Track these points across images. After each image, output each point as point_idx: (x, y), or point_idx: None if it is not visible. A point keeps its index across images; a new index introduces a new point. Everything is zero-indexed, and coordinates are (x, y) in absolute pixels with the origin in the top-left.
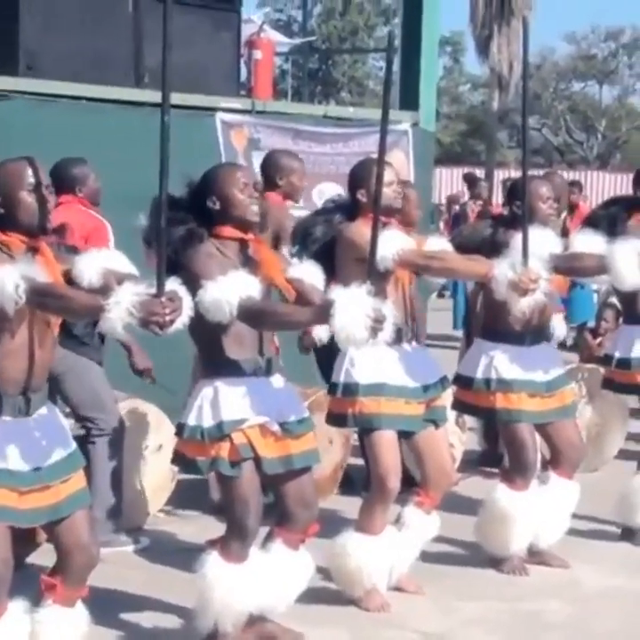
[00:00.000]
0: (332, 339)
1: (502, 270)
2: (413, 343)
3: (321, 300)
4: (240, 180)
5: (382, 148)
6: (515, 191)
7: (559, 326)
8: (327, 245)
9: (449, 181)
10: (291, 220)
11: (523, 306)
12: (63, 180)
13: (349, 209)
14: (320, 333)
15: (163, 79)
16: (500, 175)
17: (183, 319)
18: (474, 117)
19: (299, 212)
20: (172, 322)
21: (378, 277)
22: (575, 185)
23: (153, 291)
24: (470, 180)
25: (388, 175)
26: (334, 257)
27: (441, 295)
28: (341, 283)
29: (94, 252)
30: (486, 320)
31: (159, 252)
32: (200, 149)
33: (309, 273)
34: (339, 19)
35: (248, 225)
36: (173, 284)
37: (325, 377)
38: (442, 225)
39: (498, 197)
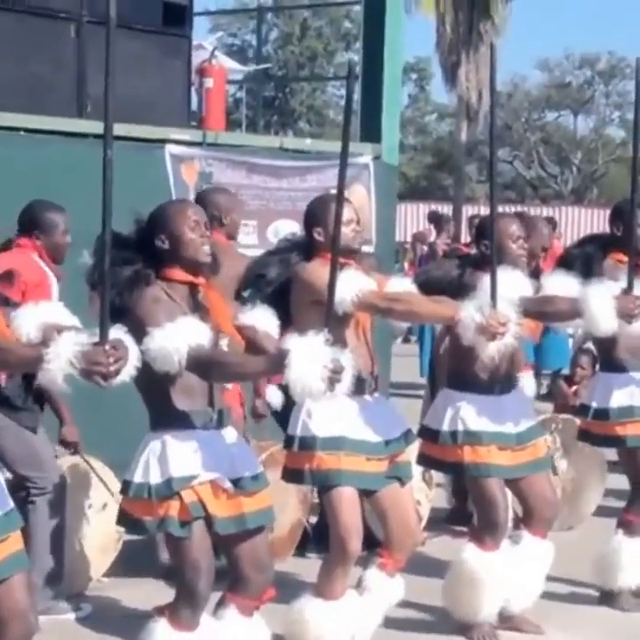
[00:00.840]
0: (287, 389)
1: (469, 313)
2: (375, 394)
3: (275, 348)
4: (191, 217)
5: (341, 184)
6: (483, 229)
7: (528, 384)
8: (282, 288)
9: (415, 218)
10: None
11: (491, 351)
12: (28, 222)
13: (306, 248)
14: (272, 397)
15: (105, 108)
16: (468, 211)
17: (129, 370)
18: (441, 149)
19: (252, 251)
20: (116, 372)
21: (336, 322)
22: (549, 222)
23: (96, 339)
24: (435, 220)
25: (347, 213)
26: (290, 300)
27: (406, 340)
28: (297, 329)
29: (33, 305)
30: (452, 367)
31: (102, 295)
32: (149, 184)
33: (262, 319)
34: (296, 44)
35: (198, 267)
36: (118, 332)
37: (282, 429)
38: (406, 265)
39: (466, 235)
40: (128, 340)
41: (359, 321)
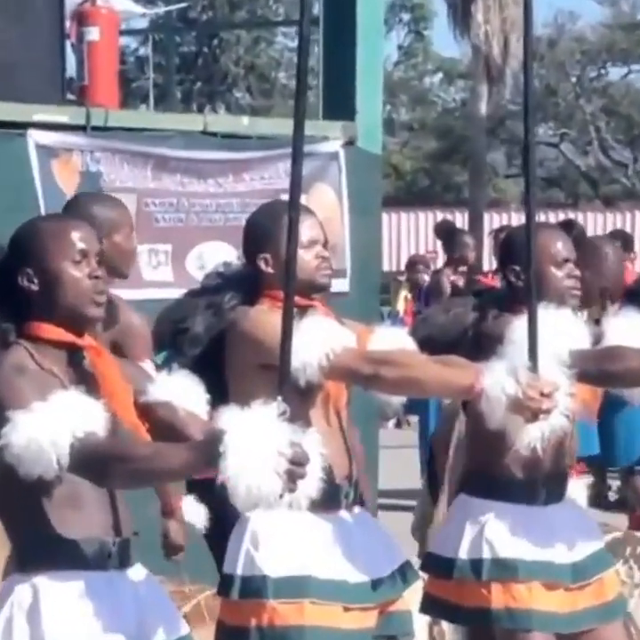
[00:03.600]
0: (220, 498)
1: (497, 380)
2: (356, 508)
3: (204, 432)
4: (74, 245)
5: (296, 184)
6: (513, 249)
7: (579, 490)
8: (212, 346)
9: (413, 234)
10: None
11: (531, 438)
12: None
13: (247, 285)
14: (192, 515)
15: None
16: (493, 221)
17: None
18: (450, 128)
19: (165, 292)
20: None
21: (296, 399)
22: (616, 236)
23: None
24: (446, 235)
25: (307, 230)
26: (224, 363)
27: (400, 424)
28: (237, 402)
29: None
30: (472, 464)
31: None
32: (4, 191)
33: (184, 391)
34: None
35: (85, 320)
36: None
37: (216, 563)
38: (401, 306)
39: (490, 258)
40: None
41: (330, 396)
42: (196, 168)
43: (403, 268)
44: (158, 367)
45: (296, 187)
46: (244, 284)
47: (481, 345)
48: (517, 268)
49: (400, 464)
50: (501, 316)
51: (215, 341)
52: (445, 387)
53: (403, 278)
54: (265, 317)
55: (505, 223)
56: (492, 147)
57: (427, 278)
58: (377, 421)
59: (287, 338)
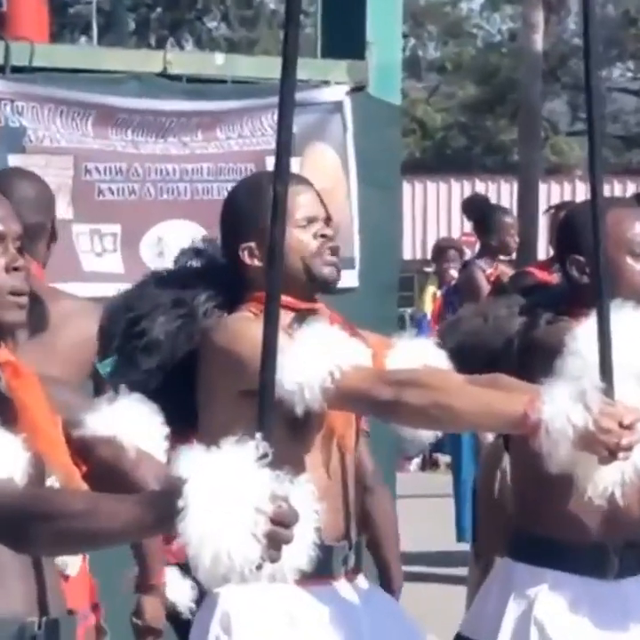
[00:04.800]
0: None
1: (560, 407)
2: (360, 578)
3: (160, 480)
4: None
5: (283, 145)
6: (575, 234)
7: None
8: (177, 359)
9: (444, 210)
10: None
11: (607, 482)
12: None
13: (228, 283)
14: (176, 594)
15: None
16: (551, 194)
17: None
18: (493, 70)
19: (113, 287)
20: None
21: (286, 433)
22: None
23: None
24: (478, 214)
25: (301, 203)
26: (193, 385)
27: (425, 466)
28: (207, 437)
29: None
30: (520, 518)
31: None
32: None
33: (135, 423)
34: None
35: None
36: None
37: None
38: (427, 305)
39: (546, 247)
40: None
41: (334, 432)
42: (153, 123)
43: (429, 255)
44: (100, 380)
45: (284, 148)
46: (225, 280)
47: (531, 360)
48: (581, 258)
49: (425, 518)
50: (559, 320)
51: (181, 353)
52: (490, 417)
53: (431, 270)
54: (250, 328)
55: (567, 197)
56: (551, 94)
57: (454, 268)
58: (394, 461)
59: (269, 351)
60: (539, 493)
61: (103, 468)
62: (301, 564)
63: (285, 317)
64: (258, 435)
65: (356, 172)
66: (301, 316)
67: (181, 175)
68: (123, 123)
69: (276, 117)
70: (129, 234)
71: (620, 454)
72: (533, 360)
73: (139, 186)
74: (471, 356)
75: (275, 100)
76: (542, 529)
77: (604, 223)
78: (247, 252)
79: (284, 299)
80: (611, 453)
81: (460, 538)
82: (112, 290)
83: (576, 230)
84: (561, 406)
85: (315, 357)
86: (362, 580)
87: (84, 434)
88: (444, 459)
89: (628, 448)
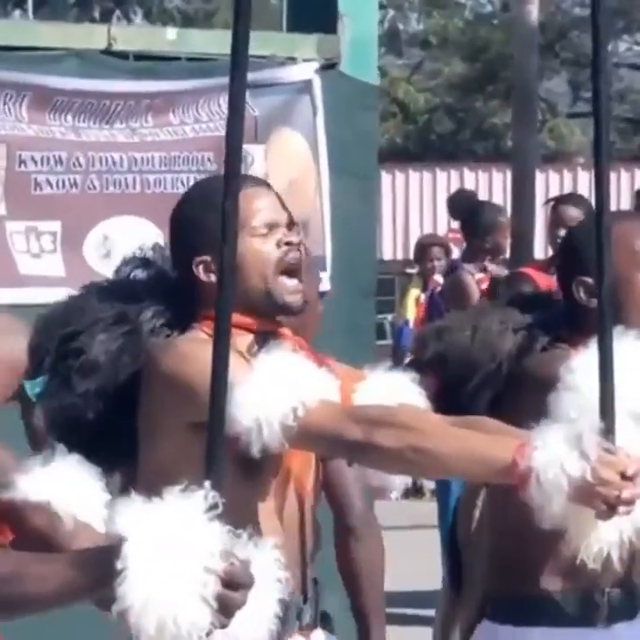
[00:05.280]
0: None
1: (553, 454)
2: (317, 634)
3: (96, 540)
4: None
5: (234, 136)
6: (581, 252)
7: None
8: (119, 384)
9: (428, 204)
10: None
11: (603, 543)
12: None
13: (176, 296)
14: None
15: None
16: (550, 184)
17: None
18: (484, 45)
19: (52, 294)
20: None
21: (238, 472)
22: None
23: None
24: (466, 212)
25: (260, 208)
26: (137, 417)
27: (408, 493)
28: (148, 476)
29: None
30: (499, 575)
31: None
32: None
33: (74, 485)
34: None
35: None
36: None
37: None
38: (410, 312)
39: (541, 244)
40: None
41: (291, 476)
42: (96, 106)
43: (413, 255)
44: (27, 403)
45: (235, 139)
46: (176, 295)
47: (520, 389)
48: (590, 280)
49: (408, 553)
50: (556, 348)
51: (123, 376)
52: (473, 463)
53: (413, 271)
54: (202, 351)
55: (567, 188)
56: (549, 71)
57: (437, 275)
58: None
59: (219, 383)
60: (520, 547)
61: (33, 537)
62: (259, 632)
63: (243, 341)
64: (206, 483)
65: (327, 161)
66: (261, 340)
67: (129, 165)
68: (62, 106)
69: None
70: (70, 232)
71: (621, 509)
72: (522, 389)
73: (81, 178)
74: (453, 370)
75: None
76: (524, 586)
77: (611, 234)
78: (202, 267)
79: (242, 319)
80: (610, 508)
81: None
82: (52, 295)
83: (583, 249)
84: (555, 453)
85: (276, 389)
86: (318, 637)
87: (13, 497)
88: (429, 485)
89: (630, 502)
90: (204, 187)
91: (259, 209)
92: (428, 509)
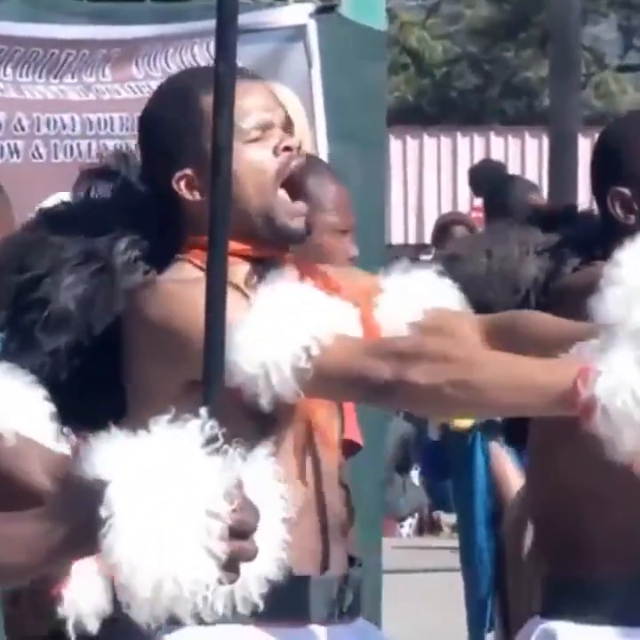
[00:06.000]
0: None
1: (620, 378)
2: (360, 622)
3: (56, 475)
4: None
5: (227, 67)
6: (617, 157)
7: None
8: (98, 336)
9: (448, 177)
10: None
11: None
12: None
13: (152, 220)
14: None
15: None
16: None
17: None
18: None
19: None
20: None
21: (247, 429)
22: None
23: None
24: (489, 190)
25: (253, 109)
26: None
27: (422, 529)
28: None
29: None
30: (553, 555)
31: None
32: None
33: (11, 397)
34: None
35: None
36: None
37: None
38: None
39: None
40: None
41: (312, 427)
42: (43, 57)
43: (428, 238)
44: None
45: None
46: (152, 218)
47: (571, 306)
48: (627, 191)
49: (423, 599)
50: (591, 266)
51: (99, 326)
52: (526, 393)
53: (429, 257)
54: (192, 293)
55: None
56: (594, 15)
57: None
58: (380, 522)
59: (213, 320)
60: (584, 508)
61: None
62: (268, 573)
63: (238, 271)
64: (203, 410)
65: (324, 123)
66: (260, 269)
67: (84, 129)
68: (0, 56)
69: (211, 48)
70: (21, 192)
71: None
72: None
73: (24, 144)
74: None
75: (208, 23)
76: (587, 566)
77: None
78: (184, 183)
79: (235, 245)
80: None
81: (472, 628)
82: None
83: (620, 152)
84: (622, 376)
85: (283, 327)
86: (361, 625)
87: None
88: (447, 519)
89: None
90: (174, 89)
91: (249, 108)
92: (446, 548)
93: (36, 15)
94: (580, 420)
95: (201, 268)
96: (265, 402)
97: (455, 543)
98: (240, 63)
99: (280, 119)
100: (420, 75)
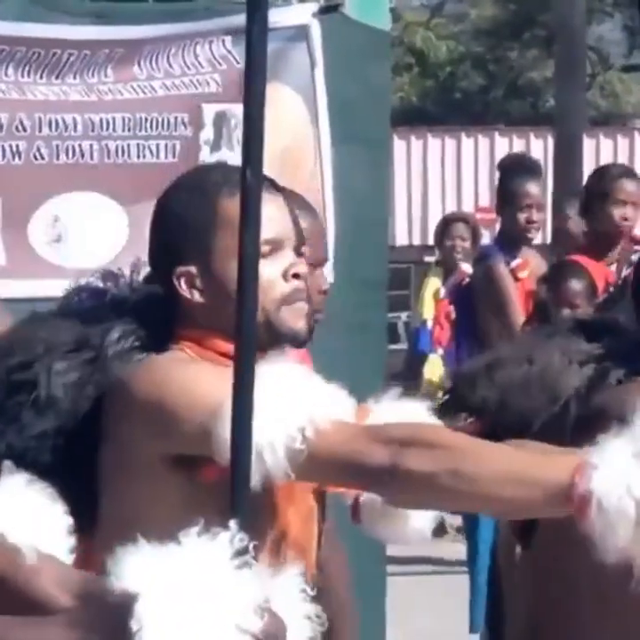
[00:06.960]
0: None
1: (617, 473)
2: None
3: (73, 591)
4: None
5: (255, 96)
6: None
7: None
8: (84, 423)
9: (452, 178)
10: None
11: None
12: None
13: (148, 312)
14: None
15: None
16: (600, 152)
17: None
18: None
19: None
20: None
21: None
22: None
23: None
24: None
25: (264, 221)
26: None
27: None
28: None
29: None
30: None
31: None
32: None
33: (30, 511)
34: None
35: None
36: None
37: None
38: (428, 308)
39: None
40: None
41: (287, 529)
42: (45, 57)
43: (432, 240)
44: None
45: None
46: (148, 311)
47: (590, 434)
48: None
49: (427, 602)
50: (633, 382)
51: (85, 414)
52: (523, 487)
53: (433, 258)
54: (185, 370)
55: (622, 156)
56: (599, 14)
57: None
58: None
59: (241, 409)
60: (574, 606)
61: None
62: None
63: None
64: (232, 522)
65: (328, 124)
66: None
67: (86, 129)
68: (1, 57)
69: (215, 48)
70: (12, 211)
71: None
72: (595, 433)
73: (25, 144)
74: (507, 418)
75: (211, 24)
76: None
77: None
78: (184, 279)
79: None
80: None
81: (474, 629)
82: None
83: None
84: (619, 471)
85: (279, 407)
86: None
87: None
88: (452, 520)
89: None
90: (188, 182)
91: (264, 221)
92: (451, 551)
93: (37, 15)
94: (576, 518)
95: (191, 358)
96: (255, 481)
97: (460, 546)
98: (242, 64)
99: (293, 240)
100: (425, 75)
